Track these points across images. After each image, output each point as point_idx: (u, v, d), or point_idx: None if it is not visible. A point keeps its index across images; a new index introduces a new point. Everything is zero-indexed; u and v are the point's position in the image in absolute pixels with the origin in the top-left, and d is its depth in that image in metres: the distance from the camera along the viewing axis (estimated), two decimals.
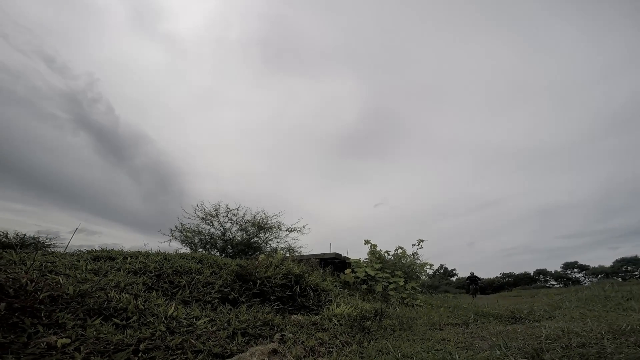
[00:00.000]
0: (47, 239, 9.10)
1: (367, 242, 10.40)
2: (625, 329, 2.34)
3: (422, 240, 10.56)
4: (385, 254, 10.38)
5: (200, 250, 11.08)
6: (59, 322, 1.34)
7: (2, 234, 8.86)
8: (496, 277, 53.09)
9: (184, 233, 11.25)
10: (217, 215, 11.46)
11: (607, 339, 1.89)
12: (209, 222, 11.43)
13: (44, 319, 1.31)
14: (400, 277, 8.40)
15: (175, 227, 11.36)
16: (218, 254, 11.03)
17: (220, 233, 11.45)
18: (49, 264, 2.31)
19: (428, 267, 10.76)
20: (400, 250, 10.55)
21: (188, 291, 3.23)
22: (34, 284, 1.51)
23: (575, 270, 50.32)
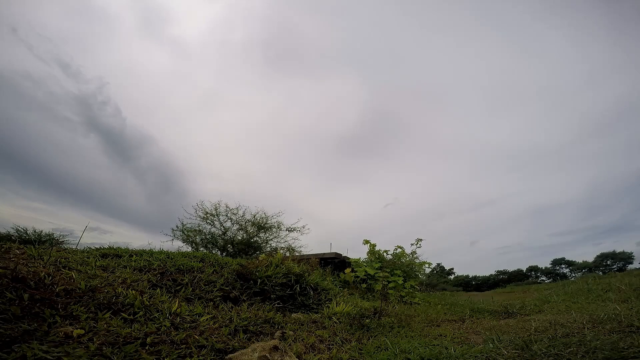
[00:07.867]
0: (60, 235, 9.79)
1: (366, 242, 10.47)
2: (603, 318, 2.57)
3: (421, 240, 10.63)
4: (385, 254, 10.45)
5: (201, 249, 11.17)
6: (74, 314, 1.43)
7: (22, 230, 9.70)
8: (491, 275, 53.79)
9: (185, 232, 11.33)
10: (217, 215, 11.55)
11: (588, 328, 2.07)
12: (209, 221, 11.52)
13: (60, 310, 1.40)
14: (399, 276, 8.46)
15: (177, 226, 11.44)
16: (219, 252, 11.11)
17: (220, 232, 11.53)
18: (63, 259, 2.42)
19: (426, 266, 10.84)
20: (399, 250, 10.62)
21: (190, 289, 3.30)
22: (50, 277, 1.60)
23: (563, 265, 51.39)
